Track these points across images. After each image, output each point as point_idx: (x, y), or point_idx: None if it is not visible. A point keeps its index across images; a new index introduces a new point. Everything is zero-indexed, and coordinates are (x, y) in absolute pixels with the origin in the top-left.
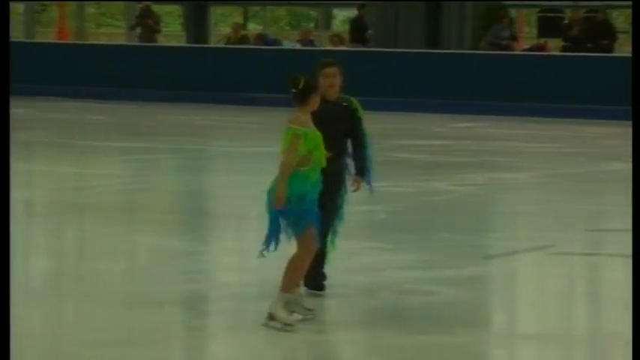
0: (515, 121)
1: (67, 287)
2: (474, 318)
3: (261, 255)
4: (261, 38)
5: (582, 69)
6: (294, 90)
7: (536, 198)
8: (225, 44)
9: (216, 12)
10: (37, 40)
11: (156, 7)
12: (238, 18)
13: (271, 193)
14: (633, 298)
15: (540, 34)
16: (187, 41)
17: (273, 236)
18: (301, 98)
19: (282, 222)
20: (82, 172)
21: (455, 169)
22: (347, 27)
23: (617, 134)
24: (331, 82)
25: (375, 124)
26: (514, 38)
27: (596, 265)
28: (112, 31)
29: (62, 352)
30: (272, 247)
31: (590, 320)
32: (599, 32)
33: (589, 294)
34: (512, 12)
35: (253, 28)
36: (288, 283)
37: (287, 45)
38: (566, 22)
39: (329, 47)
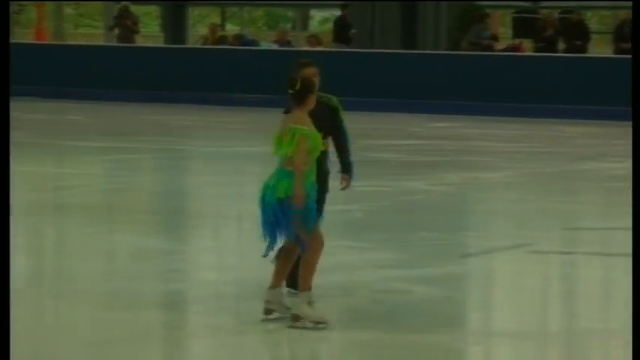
0: (492, 121)
1: (47, 287)
2: (451, 316)
3: (268, 255)
4: (239, 39)
5: (557, 69)
6: (291, 91)
7: (513, 197)
8: (203, 44)
9: (194, 13)
10: (16, 40)
11: (134, 8)
12: (216, 19)
13: (268, 192)
14: (633, 298)
15: (515, 35)
16: (165, 42)
17: (270, 234)
18: (299, 98)
19: (283, 222)
20: (61, 172)
21: (432, 169)
22: (324, 27)
23: (591, 134)
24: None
25: (352, 124)
26: (495, 38)
27: (572, 264)
28: (91, 31)
29: (42, 351)
30: (274, 244)
31: (566, 318)
32: (574, 33)
33: (565, 292)
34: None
35: (231, 28)
36: (304, 282)
37: (264, 45)
38: (540, 22)
39: (306, 48)
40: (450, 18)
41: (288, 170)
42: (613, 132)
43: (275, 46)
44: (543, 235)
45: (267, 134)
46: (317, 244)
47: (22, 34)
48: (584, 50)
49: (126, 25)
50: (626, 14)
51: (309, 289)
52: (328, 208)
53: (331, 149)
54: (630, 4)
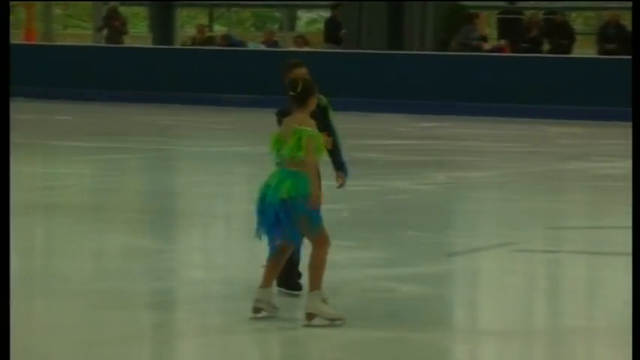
0: (477, 121)
1: (36, 286)
2: (437, 314)
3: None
4: (227, 39)
5: (541, 70)
6: (292, 93)
7: (498, 196)
8: (191, 45)
9: (182, 14)
10: None
11: (122, 9)
12: (204, 20)
13: (270, 192)
14: (633, 298)
15: (500, 36)
16: (153, 42)
17: (269, 234)
18: (300, 100)
19: (285, 222)
20: (51, 172)
21: (418, 169)
22: (311, 28)
23: (576, 134)
24: None
25: (339, 124)
26: (484, 39)
27: (556, 262)
28: (79, 32)
29: (31, 350)
30: (274, 244)
31: (551, 316)
32: (558, 34)
33: (550, 290)
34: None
35: (218, 29)
36: (315, 281)
37: (252, 46)
38: (525, 23)
39: (293, 48)
40: (436, 18)
41: (292, 171)
42: (597, 132)
43: (262, 47)
44: (528, 234)
45: (255, 134)
46: (325, 242)
47: (11, 35)
48: (568, 51)
49: (114, 25)
50: (609, 15)
51: (320, 287)
52: None
53: None
54: (614, 5)
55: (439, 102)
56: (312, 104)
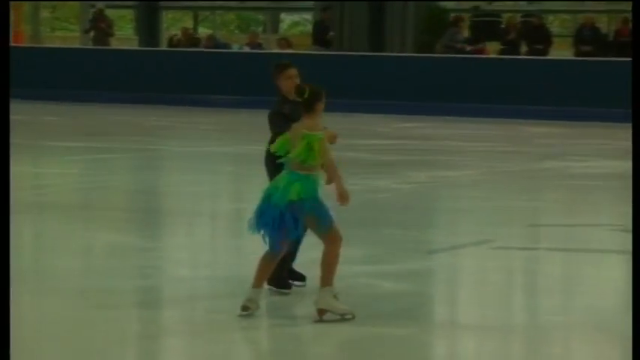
0: (456, 122)
1: (25, 283)
2: (418, 310)
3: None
4: (212, 39)
5: (519, 71)
6: (299, 99)
7: (477, 195)
8: (175, 45)
9: (167, 17)
10: None
11: (109, 12)
12: (189, 22)
13: (277, 194)
14: (633, 298)
15: (478, 38)
16: (139, 44)
17: (271, 235)
18: (308, 106)
19: (290, 223)
20: (39, 172)
21: (399, 168)
22: (294, 31)
23: (553, 134)
24: (295, 82)
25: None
26: (468, 42)
27: (534, 259)
28: (67, 34)
29: (19, 346)
30: (276, 243)
31: (529, 311)
32: (535, 36)
33: (527, 286)
34: (452, 16)
35: (203, 32)
36: (327, 277)
37: (236, 48)
38: (503, 26)
39: (276, 50)
40: (417, 19)
41: (301, 173)
42: (574, 132)
43: (247, 49)
44: (506, 231)
45: (239, 134)
46: (336, 239)
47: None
48: (545, 53)
49: (101, 28)
50: (585, 18)
51: (332, 284)
52: None
53: None
54: (589, 8)
55: (419, 103)
56: (320, 110)
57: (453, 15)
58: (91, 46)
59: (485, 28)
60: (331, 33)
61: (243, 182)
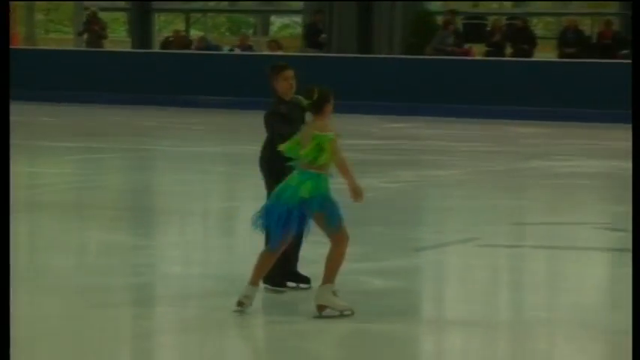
0: (442, 122)
1: (20, 280)
2: (406, 306)
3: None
4: (204, 41)
5: (504, 73)
6: (308, 100)
7: (463, 194)
8: (163, 45)
9: (159, 19)
10: None
11: (102, 15)
12: (181, 25)
13: (289, 192)
14: (633, 297)
15: (465, 40)
16: (132, 46)
17: (275, 231)
18: (317, 108)
19: (296, 221)
20: (33, 172)
21: (386, 167)
22: (284, 33)
23: (537, 134)
24: (292, 83)
25: None
26: (458, 45)
27: (519, 256)
28: (61, 36)
29: (14, 342)
30: (278, 240)
31: (514, 307)
32: (520, 38)
33: (512, 283)
34: (438, 19)
35: (195, 34)
36: (329, 275)
37: (226, 50)
38: (488, 28)
39: (267, 52)
40: (405, 20)
41: (312, 172)
42: (558, 132)
43: (237, 51)
44: (492, 229)
45: (229, 135)
46: (343, 239)
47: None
48: (530, 54)
49: (94, 30)
50: (568, 21)
51: (333, 281)
52: None
53: None
54: (573, 11)
55: (406, 103)
56: (329, 111)
57: (442, 18)
58: (84, 48)
59: (472, 30)
60: (323, 35)
61: (235, 182)
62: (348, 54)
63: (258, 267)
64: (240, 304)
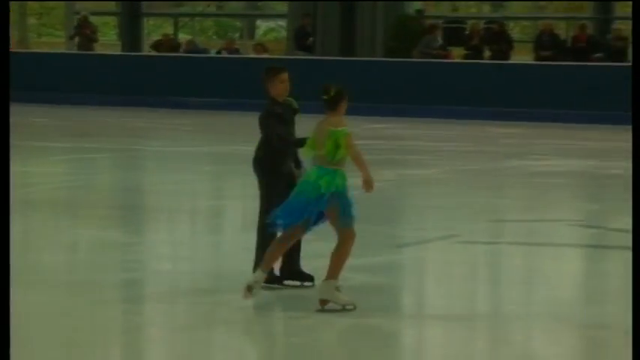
0: (423, 123)
1: (12, 277)
2: (387, 301)
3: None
4: (192, 44)
5: (482, 75)
6: (325, 97)
7: (443, 192)
8: (152, 48)
9: (148, 23)
10: None
11: (93, 19)
12: (169, 29)
13: (308, 187)
14: (633, 297)
15: (447, 43)
16: (122, 49)
17: (292, 215)
18: (333, 104)
19: (311, 211)
20: (27, 171)
21: (369, 166)
22: (269, 36)
23: (514, 134)
24: (287, 86)
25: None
26: (444, 48)
27: (497, 253)
28: (53, 40)
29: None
30: (287, 225)
31: (492, 302)
32: (497, 41)
33: (491, 278)
34: (427, 23)
35: (183, 37)
36: (334, 271)
37: (213, 53)
38: (467, 32)
39: (253, 55)
40: (387, 25)
41: (329, 169)
42: (534, 132)
43: (225, 54)
44: (471, 226)
45: (217, 135)
46: (350, 238)
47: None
48: (507, 57)
49: (85, 34)
50: (544, 25)
51: (337, 277)
52: None
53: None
54: (548, 15)
55: (388, 105)
56: (344, 108)
57: (428, 22)
58: (76, 51)
59: (451, 34)
60: (311, 38)
61: (223, 180)
62: (331, 57)
63: (271, 253)
64: (249, 288)
